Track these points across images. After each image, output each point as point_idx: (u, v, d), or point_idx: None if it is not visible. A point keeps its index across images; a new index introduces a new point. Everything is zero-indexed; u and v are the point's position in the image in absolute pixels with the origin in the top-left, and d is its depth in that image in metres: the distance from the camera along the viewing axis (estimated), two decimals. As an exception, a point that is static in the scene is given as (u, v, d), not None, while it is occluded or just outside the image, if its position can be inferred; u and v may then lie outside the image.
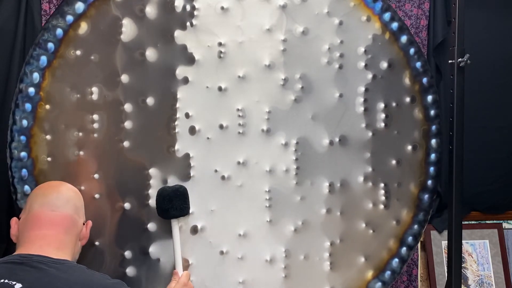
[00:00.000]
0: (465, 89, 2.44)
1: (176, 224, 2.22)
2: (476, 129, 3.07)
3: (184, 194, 2.23)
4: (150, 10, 2.27)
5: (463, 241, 2.60)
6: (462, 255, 2.77)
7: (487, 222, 3.26)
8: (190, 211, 2.29)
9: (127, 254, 2.26)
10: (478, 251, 3.17)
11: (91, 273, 1.82)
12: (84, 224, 2.06)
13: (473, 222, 3.23)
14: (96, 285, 1.77)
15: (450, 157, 2.46)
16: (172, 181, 2.29)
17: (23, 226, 1.95)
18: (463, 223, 2.53)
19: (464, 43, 2.43)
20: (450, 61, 2.44)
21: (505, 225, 3.27)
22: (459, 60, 2.41)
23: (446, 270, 2.94)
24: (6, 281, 1.65)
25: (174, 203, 2.20)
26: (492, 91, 3.15)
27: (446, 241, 2.55)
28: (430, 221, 3.07)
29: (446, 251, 2.61)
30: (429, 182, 2.52)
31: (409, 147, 2.49)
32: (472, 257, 3.16)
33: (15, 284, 1.64)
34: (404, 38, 2.46)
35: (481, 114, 3.12)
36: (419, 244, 3.07)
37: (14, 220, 2.00)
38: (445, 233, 2.86)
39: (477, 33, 3.06)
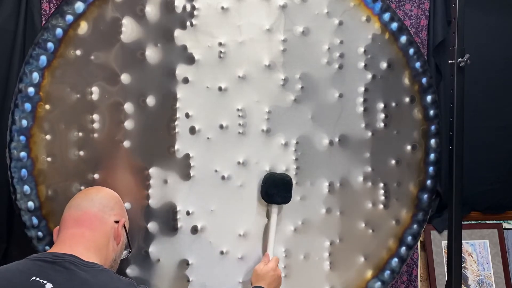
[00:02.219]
0: (465, 89, 2.44)
1: (275, 210, 2.33)
2: (476, 129, 3.07)
3: (290, 184, 2.33)
4: (150, 10, 2.27)
5: (463, 241, 2.60)
6: (462, 255, 2.77)
7: (487, 222, 3.25)
8: (191, 210, 2.29)
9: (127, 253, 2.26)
10: (478, 251, 3.17)
11: (118, 279, 1.77)
12: (117, 222, 1.99)
13: (473, 222, 3.23)
14: None
15: (450, 157, 2.46)
16: (172, 181, 2.29)
17: (57, 231, 1.96)
18: (463, 223, 2.53)
19: (464, 43, 2.43)
20: (450, 61, 2.45)
21: (505, 225, 3.27)
22: (459, 60, 2.41)
23: (446, 270, 2.93)
24: (38, 279, 1.64)
25: (280, 191, 2.29)
26: (492, 91, 3.14)
27: (446, 241, 2.55)
28: (430, 221, 3.07)
29: (446, 251, 2.62)
30: (428, 181, 2.53)
31: (409, 147, 2.50)
32: (472, 257, 3.16)
33: (46, 283, 1.63)
34: (403, 38, 2.47)
35: (481, 114, 3.11)
36: (419, 244, 3.07)
37: (55, 229, 2.01)
38: (445, 233, 2.85)
39: (477, 33, 3.05)
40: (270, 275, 2.23)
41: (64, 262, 1.70)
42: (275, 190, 2.31)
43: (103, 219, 1.94)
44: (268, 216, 2.36)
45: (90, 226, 1.89)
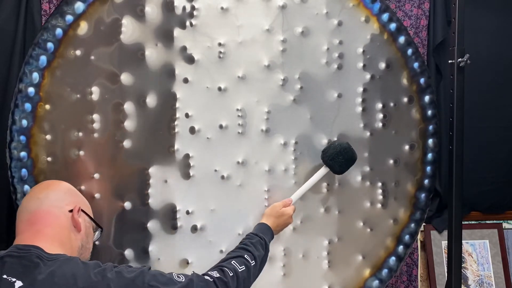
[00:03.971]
0: (465, 89, 2.44)
1: (324, 171, 2.36)
2: (476, 129, 3.07)
3: (353, 163, 2.36)
4: (150, 10, 2.28)
5: (463, 241, 2.60)
6: (462, 255, 2.77)
7: (487, 222, 3.26)
8: (190, 210, 2.30)
9: (127, 253, 2.27)
10: (478, 251, 3.17)
11: (83, 264, 1.69)
12: (71, 211, 1.87)
13: (473, 222, 3.23)
14: (80, 279, 1.64)
15: (450, 157, 2.46)
16: (172, 181, 2.30)
17: None
18: (463, 223, 2.53)
19: (464, 43, 2.43)
20: (450, 61, 2.45)
21: (505, 225, 3.27)
22: (459, 60, 2.41)
23: (446, 270, 2.93)
24: (5, 276, 1.61)
25: (344, 163, 2.34)
26: (492, 91, 3.14)
27: (446, 241, 2.55)
28: (430, 221, 3.08)
29: (446, 251, 2.61)
30: (426, 181, 2.53)
31: (407, 147, 2.51)
32: (472, 257, 3.16)
33: (15, 281, 1.60)
34: (402, 39, 2.48)
35: (481, 114, 3.11)
36: (419, 244, 3.07)
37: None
38: (445, 233, 2.85)
39: (477, 33, 3.05)
40: (283, 219, 2.27)
41: (30, 256, 1.66)
42: (342, 159, 2.33)
43: (56, 213, 1.84)
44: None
45: (45, 224, 1.80)
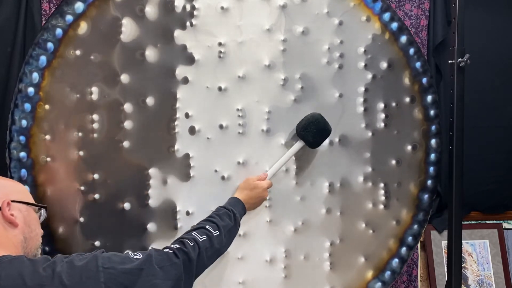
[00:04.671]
0: (465, 89, 2.44)
1: (299, 145, 2.33)
2: (476, 129, 3.07)
3: (328, 134, 2.34)
4: (150, 10, 2.26)
5: (463, 241, 2.59)
6: (462, 255, 2.77)
7: (487, 222, 3.26)
8: (191, 210, 2.29)
9: (127, 254, 2.26)
10: (478, 251, 3.17)
11: (30, 261, 1.60)
12: None
13: (473, 222, 3.24)
14: (28, 277, 1.55)
15: (450, 157, 2.46)
16: (172, 181, 2.29)
17: None
18: (463, 223, 2.53)
19: (464, 43, 2.43)
20: (450, 61, 2.44)
21: (505, 225, 3.27)
22: (459, 60, 2.40)
23: (446, 270, 2.94)
24: None
25: (312, 131, 2.31)
26: (492, 91, 3.15)
27: (446, 241, 2.55)
28: (430, 221, 3.07)
29: (446, 251, 2.61)
30: (429, 182, 2.52)
31: (409, 147, 2.50)
32: (472, 257, 3.16)
33: None
34: (403, 38, 2.47)
35: (481, 114, 3.12)
36: (419, 244, 3.07)
37: None
38: (445, 233, 2.85)
39: (477, 33, 3.06)
40: (257, 192, 2.25)
41: None
42: (314, 129, 2.30)
43: None
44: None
45: None
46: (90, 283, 1.55)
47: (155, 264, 1.68)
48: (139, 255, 1.68)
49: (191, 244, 1.82)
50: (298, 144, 2.34)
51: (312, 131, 2.30)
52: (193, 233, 1.90)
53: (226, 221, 2.05)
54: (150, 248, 1.78)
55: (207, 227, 1.96)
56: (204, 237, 1.90)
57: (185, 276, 1.76)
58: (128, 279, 1.60)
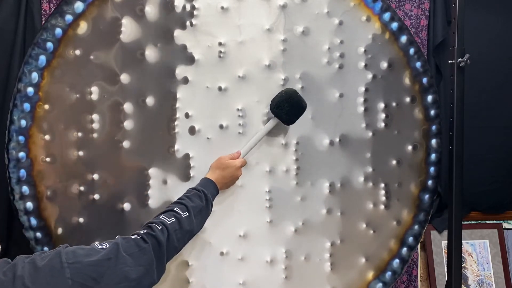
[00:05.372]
0: (465, 89, 2.44)
1: (273, 123, 2.31)
2: (476, 129, 3.08)
3: (302, 110, 2.31)
4: (150, 10, 2.26)
5: (463, 241, 2.60)
6: (462, 255, 2.77)
7: (487, 222, 3.27)
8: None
9: (127, 254, 2.25)
10: (478, 251, 3.17)
11: None
12: None
13: (473, 222, 3.24)
14: None
15: (450, 157, 2.46)
16: (172, 182, 2.28)
17: None
18: (463, 223, 2.53)
19: (464, 43, 2.43)
20: (450, 61, 2.44)
21: (505, 225, 3.28)
22: (459, 60, 2.41)
23: (446, 270, 2.94)
24: None
25: (291, 110, 2.28)
26: (492, 91, 3.15)
27: (446, 241, 2.55)
28: (430, 221, 3.06)
29: (446, 251, 2.61)
30: (430, 182, 2.52)
31: (410, 147, 2.49)
32: (472, 257, 3.17)
33: None
34: (404, 38, 2.46)
35: (481, 114, 3.13)
36: (419, 244, 3.07)
37: None
38: (445, 233, 2.86)
39: (477, 33, 3.06)
40: (230, 171, 2.23)
41: None
42: (288, 106, 2.27)
43: None
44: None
45: None
46: (56, 281, 1.50)
47: (123, 252, 1.64)
48: (105, 245, 1.64)
49: (159, 228, 1.79)
50: (272, 122, 2.31)
51: (286, 108, 2.27)
52: (160, 217, 1.87)
53: (197, 202, 2.03)
54: (117, 237, 1.73)
55: (175, 209, 1.93)
56: (173, 219, 1.87)
57: (156, 260, 1.72)
58: (95, 271, 1.56)
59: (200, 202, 2.05)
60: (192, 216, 1.96)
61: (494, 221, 3.27)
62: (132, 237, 1.73)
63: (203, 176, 2.28)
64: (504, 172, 3.19)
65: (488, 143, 3.16)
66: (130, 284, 1.62)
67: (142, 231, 1.76)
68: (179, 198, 2.03)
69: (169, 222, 1.84)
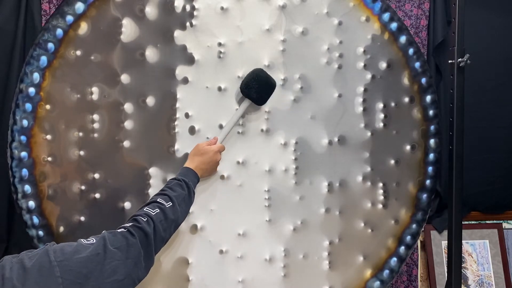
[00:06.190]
0: (465, 89, 2.44)
1: (246, 104, 2.30)
2: (476, 129, 3.08)
3: (272, 88, 2.31)
4: (150, 10, 2.28)
5: (463, 241, 2.60)
6: (462, 255, 2.77)
7: (487, 222, 3.26)
8: (191, 210, 2.28)
9: (127, 253, 2.26)
10: (478, 251, 3.17)
11: None
12: None
13: (473, 222, 3.24)
14: None
15: (450, 157, 2.46)
16: (172, 181, 2.30)
17: None
18: (463, 223, 2.53)
19: (464, 43, 2.43)
20: (450, 61, 2.44)
21: (505, 225, 3.27)
22: (459, 60, 2.41)
23: (446, 270, 2.94)
24: None
25: (260, 88, 2.27)
26: (492, 91, 3.15)
27: (446, 241, 2.55)
28: (430, 221, 3.08)
29: (446, 251, 2.61)
30: (428, 181, 2.52)
31: (408, 147, 2.50)
32: (472, 257, 3.16)
33: None
34: (403, 38, 2.47)
35: (481, 114, 3.12)
36: (419, 244, 3.07)
37: None
38: (445, 233, 2.86)
39: (477, 33, 3.06)
40: (209, 156, 2.22)
41: None
42: (256, 85, 2.27)
43: None
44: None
45: None
46: (46, 280, 1.47)
47: (111, 246, 1.62)
48: (92, 240, 1.63)
49: (144, 220, 1.78)
50: (245, 103, 2.31)
51: (254, 87, 2.27)
52: (144, 209, 1.87)
53: (179, 191, 2.02)
54: (103, 231, 1.71)
55: (158, 200, 1.93)
56: (157, 210, 1.87)
57: (144, 252, 1.72)
58: (85, 267, 1.54)
59: (182, 191, 2.04)
60: (176, 205, 1.96)
61: (494, 221, 3.26)
62: (119, 230, 1.73)
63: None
64: (504, 172, 3.19)
65: (488, 143, 3.16)
66: (120, 277, 1.61)
67: (128, 224, 1.76)
68: (161, 190, 2.03)
69: (153, 214, 1.84)
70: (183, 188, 2.05)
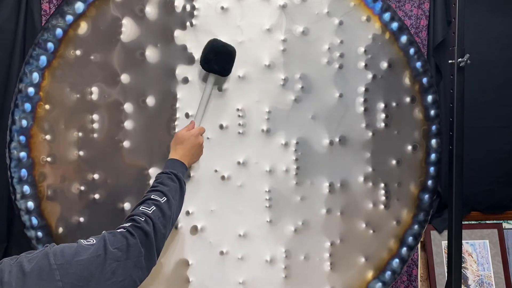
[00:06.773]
0: (465, 89, 2.44)
1: (212, 80, 2.25)
2: (476, 129, 3.08)
3: (231, 55, 2.24)
4: (150, 10, 2.27)
5: (463, 241, 2.60)
6: (462, 255, 2.77)
7: (487, 222, 3.26)
8: (191, 210, 2.29)
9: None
10: (478, 251, 3.17)
11: None
12: None
13: (473, 222, 3.24)
14: None
15: (450, 157, 2.46)
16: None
17: None
18: (463, 223, 2.53)
19: (464, 43, 2.43)
20: (450, 61, 2.44)
21: (505, 225, 3.28)
22: (459, 60, 2.41)
23: (446, 270, 2.94)
24: None
25: (219, 59, 2.22)
26: (492, 91, 3.15)
27: (446, 241, 2.55)
28: (430, 221, 3.06)
29: (446, 251, 2.61)
30: (429, 182, 2.51)
31: (409, 147, 2.49)
32: (472, 257, 3.17)
33: None
34: (404, 38, 2.46)
35: (481, 114, 3.12)
36: (419, 244, 3.07)
37: None
38: (445, 233, 2.86)
39: (477, 33, 3.06)
40: (191, 141, 2.18)
41: None
42: (214, 56, 2.22)
43: None
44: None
45: None
46: (46, 284, 1.45)
47: (111, 247, 1.60)
48: (92, 241, 1.61)
49: (142, 219, 1.76)
50: (211, 79, 2.26)
51: (213, 59, 2.22)
52: (140, 208, 1.84)
53: (170, 185, 1.99)
54: (103, 232, 1.69)
55: (152, 197, 1.90)
56: (153, 208, 1.84)
57: (145, 251, 1.70)
58: (86, 269, 1.52)
59: (173, 183, 2.01)
60: (171, 199, 1.94)
61: (494, 221, 3.27)
62: (118, 230, 1.70)
63: (203, 176, 2.31)
64: (504, 172, 3.19)
65: (488, 143, 3.16)
66: (120, 278, 1.60)
67: (126, 224, 1.73)
68: (152, 186, 2.00)
69: (150, 212, 1.81)
70: (174, 181, 2.02)
